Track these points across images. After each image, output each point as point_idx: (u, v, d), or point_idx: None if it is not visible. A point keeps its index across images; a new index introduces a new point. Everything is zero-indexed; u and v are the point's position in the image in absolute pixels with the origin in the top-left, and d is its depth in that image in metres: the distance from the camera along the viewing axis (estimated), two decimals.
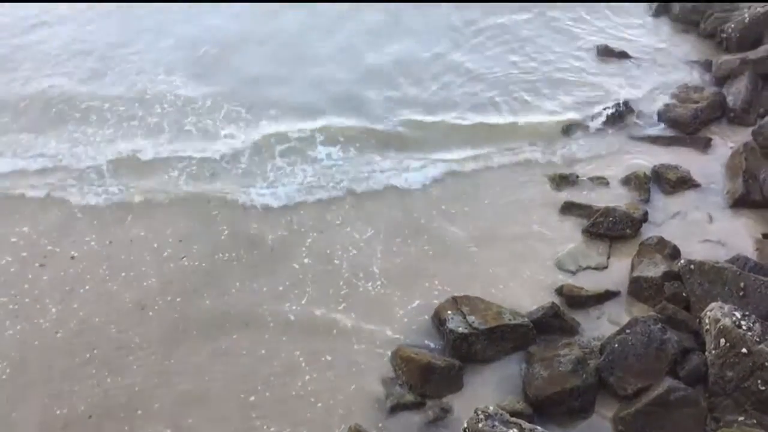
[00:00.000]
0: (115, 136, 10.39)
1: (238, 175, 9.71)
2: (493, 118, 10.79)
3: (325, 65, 11.93)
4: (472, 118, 10.76)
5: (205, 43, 12.51)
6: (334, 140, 10.25)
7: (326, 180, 9.62)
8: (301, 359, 7.42)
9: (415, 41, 12.57)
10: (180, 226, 8.92)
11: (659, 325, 7.03)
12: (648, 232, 8.73)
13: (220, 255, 8.58)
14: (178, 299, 8.02)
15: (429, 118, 10.72)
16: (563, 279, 8.25)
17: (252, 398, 7.07)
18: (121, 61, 12.11)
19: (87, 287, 8.13)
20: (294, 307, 7.97)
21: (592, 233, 8.79)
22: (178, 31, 12.92)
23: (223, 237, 8.82)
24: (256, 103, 10.96)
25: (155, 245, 8.69)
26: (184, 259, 8.50)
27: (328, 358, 7.44)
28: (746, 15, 11.49)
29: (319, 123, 10.54)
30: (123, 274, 8.31)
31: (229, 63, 12.03)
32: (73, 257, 8.50)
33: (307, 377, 7.25)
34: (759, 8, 11.42)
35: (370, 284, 8.28)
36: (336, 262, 8.54)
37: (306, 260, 8.55)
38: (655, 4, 13.13)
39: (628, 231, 8.72)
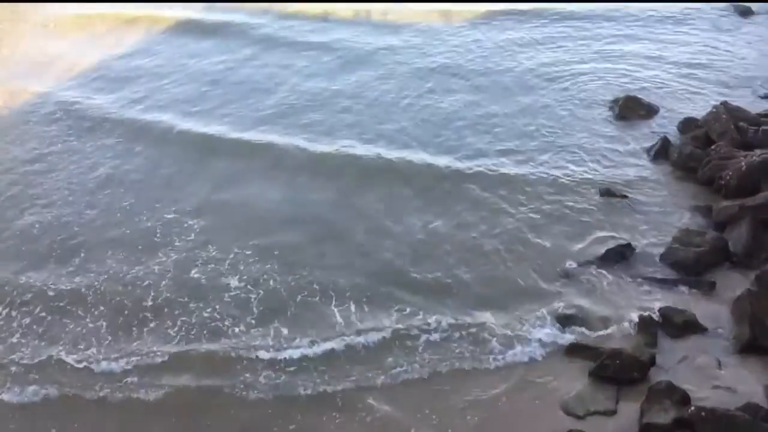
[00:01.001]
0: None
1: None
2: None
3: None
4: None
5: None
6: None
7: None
8: None
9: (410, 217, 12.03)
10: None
11: None
12: (656, 376, 8.58)
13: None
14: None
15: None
16: (570, 423, 8.02)
17: None
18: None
19: None
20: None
21: (599, 376, 8.64)
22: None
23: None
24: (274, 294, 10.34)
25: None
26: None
27: None
28: (743, 163, 11.83)
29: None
30: None
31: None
32: None
33: None
34: (755, 157, 11.79)
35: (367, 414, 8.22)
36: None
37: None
38: (653, 150, 13.54)
39: (635, 375, 8.58)
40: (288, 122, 14.96)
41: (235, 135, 14.52)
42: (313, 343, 9.41)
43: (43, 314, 10.02)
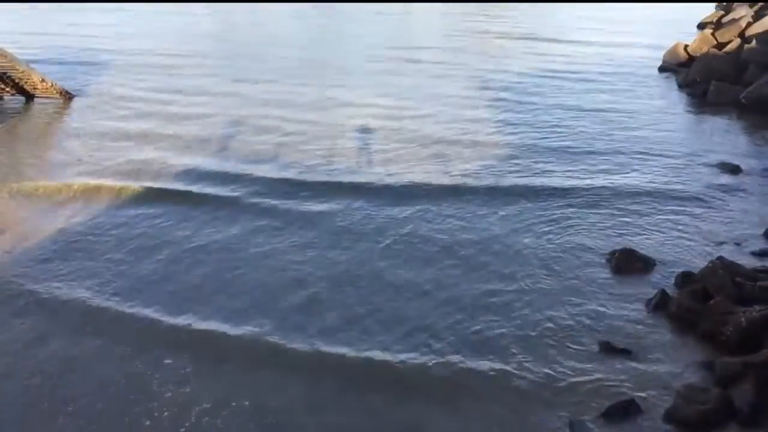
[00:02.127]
0: None
1: None
2: None
3: None
4: None
5: None
6: None
7: None
8: None
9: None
10: None
11: None
12: None
13: None
14: None
15: None
16: None
17: None
18: None
19: None
20: None
21: None
22: None
23: None
24: None
25: None
26: None
27: None
28: (743, 318, 11.78)
29: None
30: None
31: None
32: None
33: None
34: (755, 312, 11.75)
35: None
36: None
37: None
38: (652, 304, 13.50)
39: None
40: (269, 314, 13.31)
41: (208, 326, 12.83)
42: None
43: None
